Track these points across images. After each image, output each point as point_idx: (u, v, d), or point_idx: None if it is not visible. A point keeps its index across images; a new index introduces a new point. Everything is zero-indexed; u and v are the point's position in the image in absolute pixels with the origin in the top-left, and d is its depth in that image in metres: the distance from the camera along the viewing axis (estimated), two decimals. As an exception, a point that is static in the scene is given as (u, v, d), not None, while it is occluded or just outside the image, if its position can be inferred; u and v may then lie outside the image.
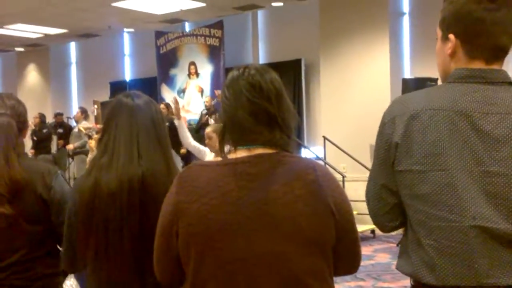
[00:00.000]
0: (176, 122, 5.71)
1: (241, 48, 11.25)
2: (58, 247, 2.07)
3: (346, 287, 5.52)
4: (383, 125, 1.54)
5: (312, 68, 10.28)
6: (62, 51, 14.13)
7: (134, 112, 1.80)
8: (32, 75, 14.70)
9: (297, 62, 10.30)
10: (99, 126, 9.12)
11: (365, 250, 7.06)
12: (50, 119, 12.04)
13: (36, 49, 13.92)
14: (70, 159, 10.95)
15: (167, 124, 1.99)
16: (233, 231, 1.36)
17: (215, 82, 11.07)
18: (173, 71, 11.89)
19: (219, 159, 1.48)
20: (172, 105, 6.23)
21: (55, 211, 1.99)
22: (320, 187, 1.39)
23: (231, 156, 1.45)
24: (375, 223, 1.65)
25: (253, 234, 1.36)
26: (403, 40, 9.26)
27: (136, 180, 1.72)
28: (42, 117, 11.39)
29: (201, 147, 5.43)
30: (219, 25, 10.91)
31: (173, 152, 2.26)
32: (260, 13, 11.05)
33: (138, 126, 1.79)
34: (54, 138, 11.31)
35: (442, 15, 1.55)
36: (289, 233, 1.36)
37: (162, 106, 8.78)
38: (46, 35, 12.13)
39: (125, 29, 12.27)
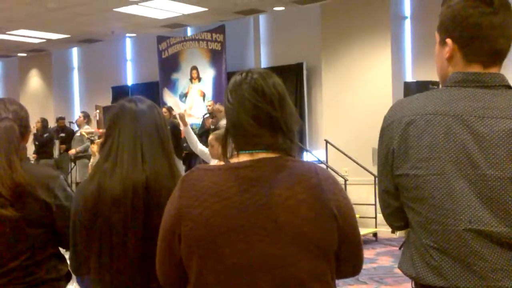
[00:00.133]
0: (183, 129, 5.78)
1: (243, 53, 11.27)
2: (61, 251, 2.07)
3: (349, 291, 5.51)
4: (382, 131, 1.58)
5: (314, 72, 10.29)
6: (65, 56, 14.17)
7: (137, 117, 1.81)
8: (34, 80, 14.73)
9: (299, 66, 10.30)
10: (101, 130, 9.14)
11: (367, 253, 7.06)
12: (52, 124, 12.05)
13: (38, 55, 13.95)
14: (72, 164, 10.96)
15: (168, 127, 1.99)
16: (235, 235, 1.36)
17: (217, 87, 11.08)
18: (175, 76, 11.91)
19: (222, 163, 1.48)
20: (177, 116, 6.34)
21: (58, 216, 2.00)
22: (322, 191, 1.39)
23: (234, 160, 1.45)
24: (385, 221, 1.70)
25: (255, 238, 1.36)
26: (405, 44, 9.27)
27: (140, 185, 1.72)
28: (44, 121, 11.40)
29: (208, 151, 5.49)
30: (221, 29, 10.93)
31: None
32: (262, 18, 11.06)
33: (141, 131, 1.79)
34: (56, 142, 11.32)
35: (440, 20, 1.56)
36: (291, 237, 1.36)
37: (164, 109, 8.79)
38: (48, 41, 12.16)
39: (127, 34, 12.29)
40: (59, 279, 2.06)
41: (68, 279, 2.09)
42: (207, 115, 9.99)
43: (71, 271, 1.95)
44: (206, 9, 9.70)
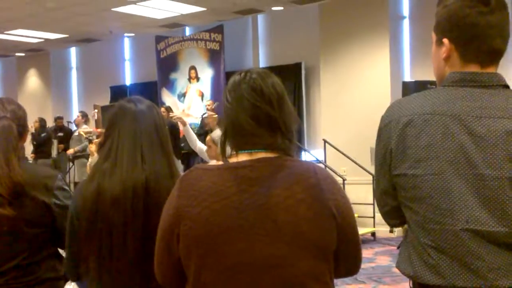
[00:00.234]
0: (182, 128, 5.80)
1: (241, 52, 11.27)
2: (60, 251, 2.07)
3: (347, 290, 5.52)
4: (379, 130, 1.58)
5: (312, 71, 10.29)
6: (63, 56, 14.15)
7: (137, 117, 1.81)
8: (33, 80, 14.71)
9: (297, 66, 10.30)
10: (100, 130, 9.13)
11: (366, 252, 7.06)
12: (50, 124, 12.04)
13: (36, 54, 13.93)
14: (70, 163, 10.95)
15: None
16: (234, 235, 1.36)
17: (216, 86, 11.08)
18: (173, 76, 11.90)
19: (221, 163, 1.48)
20: (175, 117, 6.40)
21: (56, 215, 1.99)
22: (321, 191, 1.40)
23: (233, 160, 1.45)
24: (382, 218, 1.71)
25: (254, 238, 1.36)
26: (403, 44, 9.28)
27: (140, 185, 1.72)
28: (42, 121, 11.39)
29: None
30: (219, 29, 10.92)
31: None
32: (260, 17, 11.06)
33: (141, 131, 1.79)
34: (55, 142, 11.31)
35: (436, 20, 1.56)
36: (290, 237, 1.36)
37: (162, 109, 8.79)
38: (47, 40, 12.15)
39: (125, 34, 12.28)
40: (57, 279, 2.06)
41: (66, 278, 2.09)
42: (206, 114, 9.99)
43: (67, 276, 1.95)
44: (204, 9, 9.70)
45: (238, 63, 10.52)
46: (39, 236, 2.00)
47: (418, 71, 8.75)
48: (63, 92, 14.34)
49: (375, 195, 1.69)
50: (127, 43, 13.24)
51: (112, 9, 9.56)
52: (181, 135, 8.29)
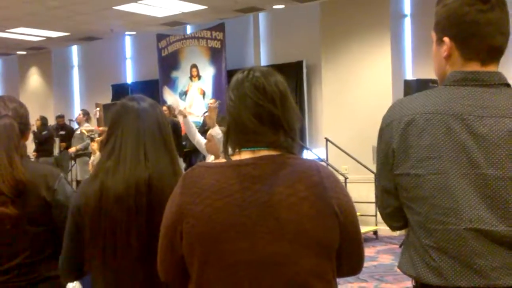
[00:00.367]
0: (182, 120, 5.81)
1: (243, 51, 11.26)
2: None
3: (349, 288, 5.52)
4: (381, 130, 1.57)
5: (313, 69, 10.28)
6: (64, 54, 14.15)
7: (140, 115, 1.81)
8: (34, 78, 14.71)
9: (299, 64, 10.29)
10: (101, 128, 9.13)
11: (368, 251, 7.06)
12: (52, 122, 12.05)
13: (38, 53, 13.94)
14: (72, 162, 10.96)
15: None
16: (237, 232, 1.37)
17: (217, 85, 11.07)
18: (174, 74, 11.90)
19: (223, 160, 1.48)
20: (177, 112, 6.39)
21: (57, 214, 1.99)
22: (324, 189, 1.40)
23: (235, 157, 1.45)
24: (384, 222, 1.69)
25: (257, 236, 1.36)
26: (405, 42, 9.27)
27: (143, 183, 1.72)
28: (43, 119, 11.40)
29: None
30: (221, 27, 10.92)
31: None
32: (262, 16, 11.05)
33: (144, 129, 1.79)
34: (56, 140, 11.32)
35: (436, 19, 1.56)
36: (293, 235, 1.36)
37: (164, 108, 8.79)
38: (48, 39, 12.15)
39: (126, 32, 12.28)
40: (59, 277, 2.06)
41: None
42: (207, 113, 9.99)
43: (60, 276, 1.92)
44: (205, 7, 9.69)
45: (240, 62, 10.51)
46: (41, 234, 2.00)
47: (420, 70, 8.74)
48: (64, 91, 14.34)
49: (376, 196, 1.67)
50: (128, 41, 13.24)
51: (113, 8, 9.56)
52: (183, 133, 8.29)
